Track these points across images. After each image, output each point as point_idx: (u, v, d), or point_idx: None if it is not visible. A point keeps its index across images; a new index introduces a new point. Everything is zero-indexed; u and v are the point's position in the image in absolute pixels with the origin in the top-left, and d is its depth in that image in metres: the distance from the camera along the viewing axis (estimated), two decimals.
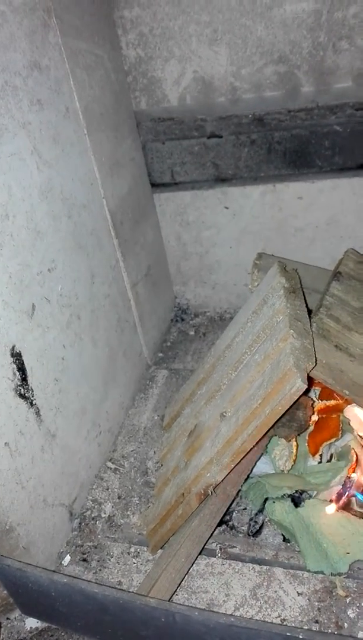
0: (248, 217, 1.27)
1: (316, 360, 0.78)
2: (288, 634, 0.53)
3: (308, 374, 0.75)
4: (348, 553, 0.79)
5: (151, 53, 1.11)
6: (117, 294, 1.11)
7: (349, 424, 0.90)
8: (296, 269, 0.98)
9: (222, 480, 0.79)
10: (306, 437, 0.93)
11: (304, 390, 0.69)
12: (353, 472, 0.85)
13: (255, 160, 1.18)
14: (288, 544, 0.87)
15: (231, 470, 0.78)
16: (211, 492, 0.79)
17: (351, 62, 1.03)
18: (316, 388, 0.97)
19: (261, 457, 0.93)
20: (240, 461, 0.77)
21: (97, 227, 1.02)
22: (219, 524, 0.90)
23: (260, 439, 0.75)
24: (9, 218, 0.75)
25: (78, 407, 0.94)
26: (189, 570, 0.80)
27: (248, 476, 0.90)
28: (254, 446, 0.76)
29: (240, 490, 0.92)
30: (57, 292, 0.87)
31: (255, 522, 0.92)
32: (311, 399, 0.89)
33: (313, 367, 0.76)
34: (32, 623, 0.76)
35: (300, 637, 0.52)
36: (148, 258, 1.27)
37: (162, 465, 1.00)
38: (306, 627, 0.70)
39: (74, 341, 0.93)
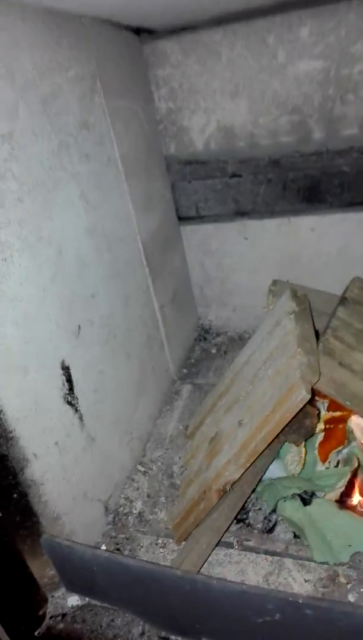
0: (265, 247, 1.40)
1: (320, 374, 0.90)
2: (290, 599, 0.65)
3: (313, 387, 0.87)
4: (350, 545, 0.89)
5: (180, 105, 1.27)
6: (147, 315, 1.25)
7: (352, 433, 1.01)
8: (306, 294, 1.11)
9: (239, 479, 0.91)
10: (317, 446, 1.05)
11: (308, 399, 0.81)
12: (355, 475, 0.96)
13: (271, 197, 1.32)
14: (298, 540, 0.97)
15: (246, 470, 0.90)
16: (229, 489, 0.91)
17: (357, 112, 1.16)
18: (325, 401, 1.08)
19: (275, 462, 1.05)
20: (254, 462, 0.89)
21: (131, 257, 1.17)
22: (237, 522, 1.02)
23: (271, 442, 0.87)
24: (62, 253, 0.90)
25: (113, 416, 1.08)
26: (209, 556, 0.92)
27: (261, 479, 1.01)
28: (266, 448, 0.88)
29: (255, 491, 1.04)
30: (98, 314, 1.02)
31: (269, 520, 1.03)
32: (318, 409, 1.00)
33: (318, 381, 0.88)
34: (73, 601, 0.88)
35: (300, 601, 0.64)
36: (175, 283, 1.41)
37: (186, 469, 1.12)
38: None
39: (111, 357, 1.07)
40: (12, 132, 0.80)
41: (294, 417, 0.85)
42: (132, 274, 1.17)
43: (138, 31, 1.21)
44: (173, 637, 0.80)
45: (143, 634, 0.82)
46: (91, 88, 1.03)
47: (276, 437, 0.86)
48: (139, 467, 1.16)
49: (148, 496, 1.09)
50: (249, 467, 0.89)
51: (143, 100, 1.24)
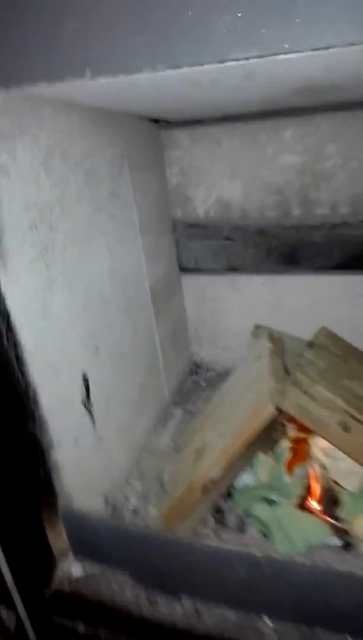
0: (251, 298, 1.67)
1: (287, 399, 1.14)
2: (253, 556, 0.86)
3: (280, 407, 1.11)
4: (306, 538, 1.10)
5: (187, 181, 1.58)
6: (150, 346, 1.50)
7: (313, 450, 1.24)
8: (281, 337, 1.36)
9: (219, 480, 1.13)
10: (285, 462, 1.27)
11: (275, 415, 1.05)
12: (312, 485, 1.19)
13: (257, 258, 1.61)
14: (265, 537, 1.18)
15: (226, 472, 1.12)
16: (211, 487, 1.13)
17: (327, 197, 1.47)
18: (293, 425, 1.31)
19: (249, 474, 1.27)
20: (232, 464, 1.11)
21: (141, 297, 1.43)
22: (215, 522, 1.22)
23: (247, 448, 1.10)
24: (90, 289, 1.16)
25: (117, 425, 1.30)
26: None
27: (232, 487, 1.23)
28: (243, 452, 1.10)
29: (232, 497, 1.25)
30: (113, 340, 1.26)
31: (242, 521, 1.23)
32: (283, 425, 1.24)
33: (285, 403, 1.12)
34: (77, 569, 1.08)
35: (259, 555, 0.85)
36: (174, 322, 1.67)
37: (176, 475, 1.33)
38: None
39: (119, 376, 1.31)
40: (63, 196, 1.07)
41: (264, 428, 1.08)
42: (141, 311, 1.43)
43: (157, 121, 1.53)
44: (159, 596, 1.00)
45: (136, 595, 1.01)
46: (120, 165, 1.32)
47: (251, 444, 1.09)
48: (135, 472, 1.37)
49: (142, 496, 1.30)
50: (228, 469, 1.11)
51: (158, 175, 1.55)
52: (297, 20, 0.56)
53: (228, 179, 1.53)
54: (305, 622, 0.91)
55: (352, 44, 0.56)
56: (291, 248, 1.55)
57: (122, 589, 1.03)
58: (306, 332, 1.46)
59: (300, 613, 0.89)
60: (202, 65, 0.62)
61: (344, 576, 0.81)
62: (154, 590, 1.01)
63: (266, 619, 0.93)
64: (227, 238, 1.61)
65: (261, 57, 0.57)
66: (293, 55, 0.61)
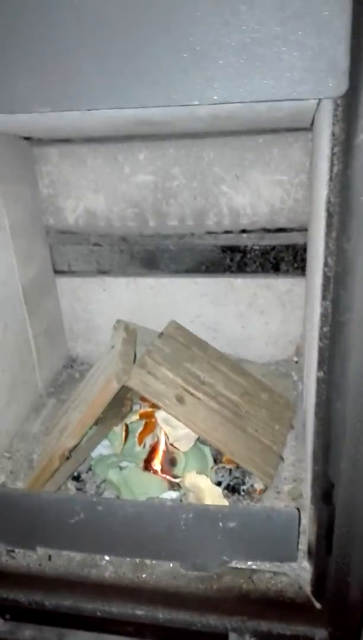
0: (119, 297, 1.89)
1: (132, 377, 1.36)
2: (89, 500, 1.06)
3: (126, 384, 1.33)
4: (146, 493, 1.33)
5: (57, 192, 1.76)
6: (22, 341, 1.65)
7: (158, 421, 1.48)
8: (135, 329, 1.59)
9: (75, 448, 1.32)
10: (136, 434, 1.50)
11: (117, 389, 1.27)
12: (155, 449, 1.42)
13: (123, 262, 1.83)
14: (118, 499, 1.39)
15: (80, 440, 1.32)
16: (68, 455, 1.32)
17: (176, 211, 1.73)
18: (144, 403, 1.54)
19: (105, 446, 1.48)
20: (85, 434, 1.32)
21: (11, 296, 1.59)
22: (77, 490, 1.41)
23: (96, 419, 1.31)
24: None
25: None
26: None
27: (91, 458, 1.43)
28: (94, 423, 1.31)
29: (91, 467, 1.45)
30: None
31: (98, 487, 1.43)
32: (131, 401, 1.47)
33: (129, 379, 1.34)
34: None
35: (95, 500, 1.06)
36: (48, 319, 1.84)
37: (42, 453, 1.50)
38: None
39: None
40: None
41: (114, 401, 1.30)
42: (12, 309, 1.58)
43: (29, 138, 1.71)
44: (16, 549, 1.17)
45: None
46: None
47: (102, 414, 1.30)
48: (6, 454, 1.52)
49: (11, 472, 1.45)
50: (82, 437, 1.31)
51: (30, 186, 1.72)
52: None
53: (93, 192, 1.74)
54: (135, 553, 1.13)
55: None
56: (150, 254, 1.79)
57: None
58: (162, 326, 1.70)
59: (130, 546, 1.11)
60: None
61: (157, 507, 1.04)
62: (15, 546, 1.18)
63: (104, 555, 1.14)
64: (95, 244, 1.82)
65: (53, 111, 0.78)
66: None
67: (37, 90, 0.77)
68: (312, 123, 1.32)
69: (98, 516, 1.07)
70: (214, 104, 0.74)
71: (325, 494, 0.91)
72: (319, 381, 0.88)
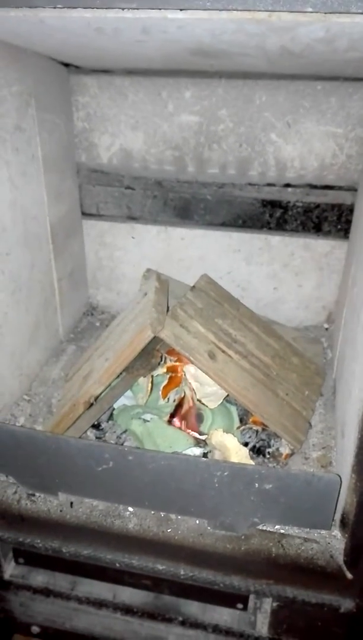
0: (147, 246, 1.81)
1: (164, 327, 1.30)
2: (120, 449, 1.02)
3: (158, 335, 1.27)
4: (171, 447, 1.29)
5: (92, 127, 1.65)
6: (46, 282, 1.58)
7: (185, 376, 1.42)
8: (168, 280, 1.52)
9: (100, 396, 1.27)
10: (161, 388, 1.45)
11: (152, 338, 1.21)
12: (181, 405, 1.37)
13: (155, 209, 1.73)
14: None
15: (106, 388, 1.27)
16: (93, 402, 1.27)
17: (218, 158, 1.62)
18: (172, 357, 1.49)
19: (128, 397, 1.43)
20: (112, 382, 1.26)
21: (40, 233, 1.50)
22: (97, 439, 1.37)
23: (124, 368, 1.25)
24: None
25: (10, 350, 1.39)
26: None
27: (113, 408, 1.38)
28: (121, 373, 1.25)
29: (112, 416, 1.41)
30: (9, 268, 1.34)
31: (120, 437, 1.40)
32: (161, 353, 1.41)
33: (162, 330, 1.27)
34: None
35: (126, 450, 1.01)
36: (73, 263, 1.76)
37: (63, 398, 1.46)
38: None
39: (14, 305, 1.38)
40: None
41: (143, 351, 1.24)
42: (39, 247, 1.50)
43: (68, 65, 1.58)
44: (37, 493, 1.13)
45: (15, 492, 1.14)
46: (27, 102, 1.37)
47: (130, 363, 1.24)
48: (25, 397, 1.47)
49: (30, 415, 1.41)
50: (108, 385, 1.26)
51: (65, 117, 1.60)
52: None
53: (132, 130, 1.62)
54: (162, 507, 1.09)
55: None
56: (185, 202, 1.70)
57: (4, 490, 1.14)
58: (192, 280, 1.62)
59: (157, 500, 1.07)
60: (93, 8, 0.72)
61: (191, 462, 0.99)
62: (35, 490, 1.14)
63: (128, 507, 1.11)
64: (128, 187, 1.72)
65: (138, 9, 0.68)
66: (177, 15, 0.73)
67: None
68: None
69: (128, 466, 1.02)
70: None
71: None
72: None
